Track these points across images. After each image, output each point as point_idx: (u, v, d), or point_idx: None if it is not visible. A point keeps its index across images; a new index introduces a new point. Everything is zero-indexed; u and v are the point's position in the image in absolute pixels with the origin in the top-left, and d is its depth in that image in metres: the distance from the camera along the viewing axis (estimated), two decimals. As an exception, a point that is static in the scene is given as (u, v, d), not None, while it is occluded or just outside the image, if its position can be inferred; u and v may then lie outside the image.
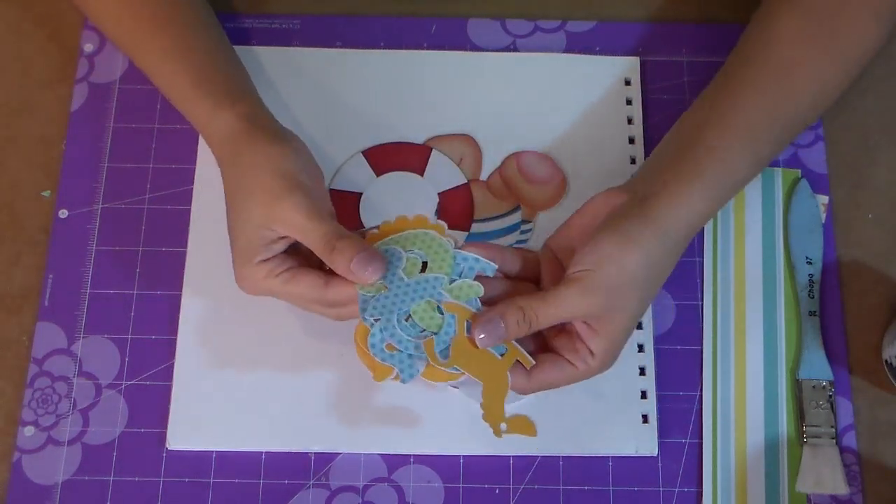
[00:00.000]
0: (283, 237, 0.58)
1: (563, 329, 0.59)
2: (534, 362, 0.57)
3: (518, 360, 0.57)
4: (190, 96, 0.62)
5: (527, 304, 0.56)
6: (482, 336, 0.56)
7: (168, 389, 0.64)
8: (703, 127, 0.61)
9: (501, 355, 0.57)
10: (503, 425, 0.56)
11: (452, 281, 0.58)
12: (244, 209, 0.58)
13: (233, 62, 0.66)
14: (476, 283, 0.58)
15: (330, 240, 0.56)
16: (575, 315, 0.56)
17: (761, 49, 0.63)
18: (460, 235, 0.68)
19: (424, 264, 0.58)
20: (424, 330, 0.57)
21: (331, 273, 0.58)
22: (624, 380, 0.64)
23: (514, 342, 0.57)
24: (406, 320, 0.57)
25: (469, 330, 0.57)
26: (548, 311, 0.56)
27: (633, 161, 0.69)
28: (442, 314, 0.57)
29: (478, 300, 0.58)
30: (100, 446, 0.63)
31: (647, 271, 0.57)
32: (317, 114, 0.70)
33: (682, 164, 0.60)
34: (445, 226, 0.60)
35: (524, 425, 0.58)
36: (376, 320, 0.56)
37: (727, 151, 0.60)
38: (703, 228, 0.68)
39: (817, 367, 0.65)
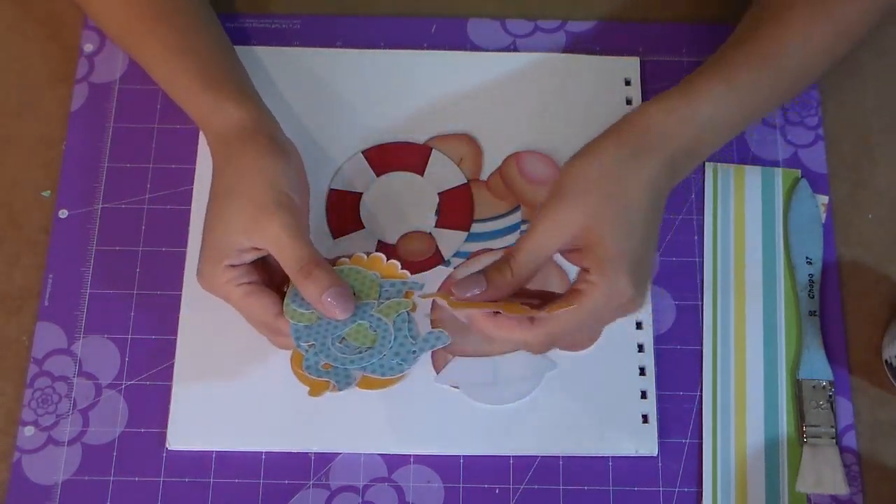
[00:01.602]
0: (256, 248, 0.58)
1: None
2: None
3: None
4: (194, 89, 0.62)
5: (507, 249, 0.56)
6: (461, 291, 0.55)
7: (168, 389, 0.64)
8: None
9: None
10: (543, 313, 0.54)
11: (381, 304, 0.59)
12: (227, 211, 0.58)
13: (237, 62, 0.66)
14: (404, 299, 0.58)
15: (306, 265, 0.56)
16: (557, 238, 0.55)
17: (753, 18, 0.63)
18: (460, 235, 0.68)
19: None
20: (359, 349, 0.57)
21: None
22: (624, 380, 0.64)
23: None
24: (340, 342, 0.57)
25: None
26: (526, 245, 0.55)
27: (633, 161, 0.69)
28: (375, 332, 0.57)
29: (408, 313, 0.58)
30: (100, 446, 0.63)
31: (623, 168, 0.55)
32: (317, 114, 0.70)
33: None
34: (384, 257, 0.60)
35: (564, 303, 0.54)
36: (310, 346, 0.57)
37: (702, 83, 0.59)
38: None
39: (817, 367, 0.65)
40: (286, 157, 0.60)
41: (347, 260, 0.60)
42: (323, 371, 0.57)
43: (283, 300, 0.58)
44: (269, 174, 0.58)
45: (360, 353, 0.57)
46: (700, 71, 0.61)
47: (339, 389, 0.56)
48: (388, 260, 0.60)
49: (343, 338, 0.57)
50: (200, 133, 0.69)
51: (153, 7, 0.64)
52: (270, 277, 0.60)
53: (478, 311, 0.55)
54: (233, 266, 0.58)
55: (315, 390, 0.57)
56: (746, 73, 0.60)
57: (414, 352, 0.57)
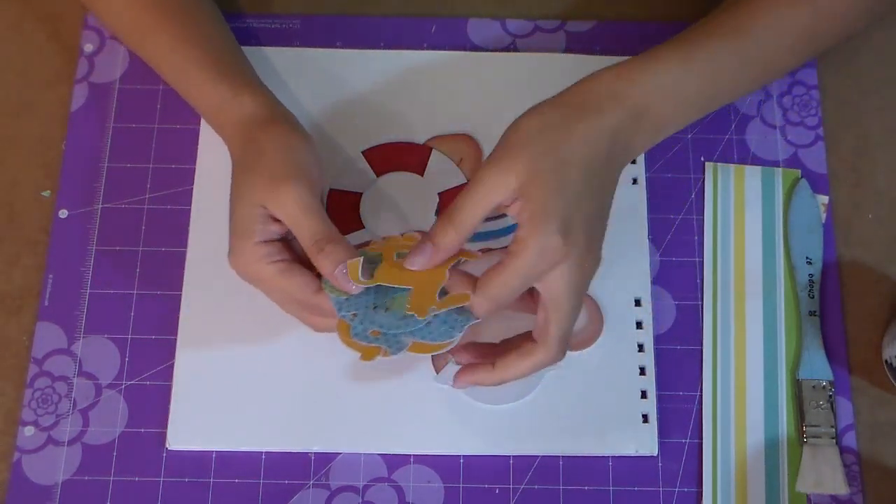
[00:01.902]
0: (277, 220, 0.57)
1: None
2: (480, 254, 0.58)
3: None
4: (206, 80, 0.62)
5: (449, 207, 0.56)
6: (416, 262, 0.56)
7: (168, 389, 0.64)
8: None
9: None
10: (432, 307, 0.56)
11: None
12: (246, 183, 0.58)
13: (244, 56, 0.67)
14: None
15: (320, 240, 0.56)
16: (496, 192, 0.54)
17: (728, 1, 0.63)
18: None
19: None
20: (405, 317, 0.57)
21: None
22: (624, 380, 0.64)
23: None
24: (385, 311, 0.57)
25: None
26: (466, 201, 0.55)
27: (632, 161, 0.69)
28: None
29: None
30: (100, 446, 0.63)
31: (565, 124, 0.56)
32: (317, 114, 0.70)
33: None
34: (419, 235, 0.60)
35: (457, 298, 0.56)
36: (354, 315, 0.57)
37: (661, 51, 0.59)
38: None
39: (817, 367, 0.65)
40: (306, 139, 0.61)
41: (381, 241, 0.60)
42: (372, 338, 0.57)
43: (318, 278, 0.58)
44: (288, 150, 0.59)
45: (406, 320, 0.57)
46: (665, 42, 0.61)
47: (392, 354, 0.56)
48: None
49: (387, 307, 0.57)
50: (201, 133, 0.69)
51: (159, 1, 0.64)
52: (300, 259, 0.59)
53: (484, 375, 0.58)
54: (263, 243, 0.57)
55: (367, 355, 0.57)
56: (708, 44, 0.60)
57: (460, 321, 0.57)
